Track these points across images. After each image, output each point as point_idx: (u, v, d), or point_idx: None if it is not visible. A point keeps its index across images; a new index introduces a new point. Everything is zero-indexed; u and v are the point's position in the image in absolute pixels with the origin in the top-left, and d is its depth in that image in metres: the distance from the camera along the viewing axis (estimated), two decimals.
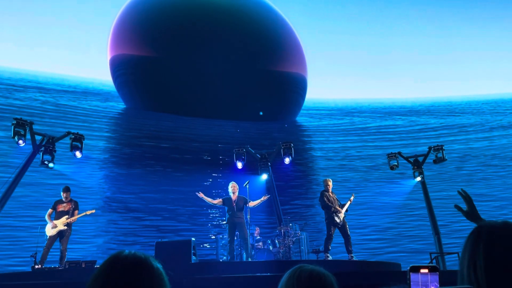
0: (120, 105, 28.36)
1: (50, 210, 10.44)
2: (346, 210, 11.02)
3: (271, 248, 11.53)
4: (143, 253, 1.51)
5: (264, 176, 13.67)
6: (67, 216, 10.33)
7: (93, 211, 11.00)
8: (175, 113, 25.28)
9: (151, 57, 25.73)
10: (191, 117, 25.10)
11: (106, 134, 22.97)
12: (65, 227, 10.32)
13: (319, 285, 1.61)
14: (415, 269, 1.27)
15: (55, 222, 10.24)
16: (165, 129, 24.15)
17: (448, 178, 20.74)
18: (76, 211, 10.55)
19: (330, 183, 11.14)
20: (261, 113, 25.16)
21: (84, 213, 10.70)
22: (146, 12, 27.08)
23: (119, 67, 27.28)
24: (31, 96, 26.67)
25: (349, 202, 11.07)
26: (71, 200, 10.60)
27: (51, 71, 35.82)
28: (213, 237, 13.89)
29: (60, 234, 10.30)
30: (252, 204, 11.03)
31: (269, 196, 11.48)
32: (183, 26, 25.65)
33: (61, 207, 10.42)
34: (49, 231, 10.25)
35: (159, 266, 1.50)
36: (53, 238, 10.27)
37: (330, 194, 10.97)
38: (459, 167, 22.47)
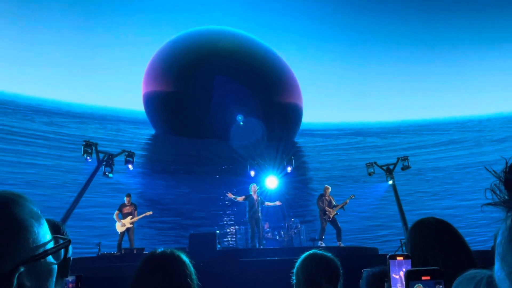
0: (151, 131, 28.57)
1: (117, 212, 10.53)
2: (343, 208, 10.86)
3: (278, 238, 11.44)
4: (174, 250, 1.46)
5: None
6: (131, 217, 10.46)
7: (151, 212, 11.04)
8: (195, 137, 24.43)
9: (175, 92, 25.25)
10: (208, 139, 24.17)
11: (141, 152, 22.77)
12: (131, 225, 10.47)
13: (328, 265, 1.63)
14: (393, 257, 1.28)
15: (123, 221, 10.38)
16: (189, 150, 23.85)
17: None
18: (136, 212, 10.63)
19: (328, 190, 11.05)
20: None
21: (144, 214, 10.79)
22: (171, 57, 26.90)
23: (150, 101, 27.05)
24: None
25: (343, 203, 10.81)
26: (132, 204, 10.68)
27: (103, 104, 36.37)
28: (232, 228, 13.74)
29: (127, 230, 10.46)
30: (267, 204, 11.03)
31: (281, 204, 11.40)
32: (201, 66, 25.04)
33: (125, 210, 10.53)
34: (119, 228, 10.39)
35: (187, 260, 1.45)
36: (122, 234, 10.42)
37: (326, 197, 10.91)
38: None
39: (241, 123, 24.04)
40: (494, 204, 0.65)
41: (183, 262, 1.43)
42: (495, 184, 0.65)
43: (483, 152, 26.16)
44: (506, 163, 0.67)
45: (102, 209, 13.52)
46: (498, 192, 0.65)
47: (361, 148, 29.55)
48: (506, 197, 0.64)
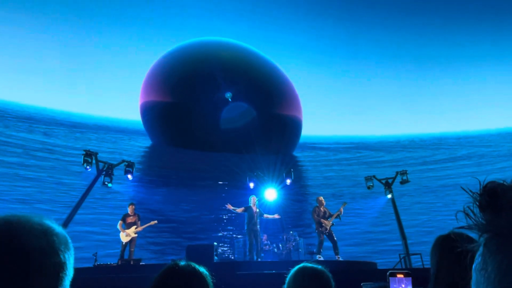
0: (148, 142, 28.43)
1: (120, 222, 10.34)
2: (339, 218, 10.74)
3: (276, 251, 11.37)
4: (194, 264, 1.40)
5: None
6: (135, 226, 10.32)
7: (156, 222, 10.78)
8: (194, 149, 24.24)
9: (173, 103, 25.13)
10: (206, 152, 23.99)
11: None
12: (135, 235, 10.37)
13: (319, 278, 1.61)
14: (393, 274, 1.28)
15: (128, 231, 10.25)
16: (186, 161, 23.56)
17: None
18: (139, 222, 10.52)
19: (322, 201, 10.98)
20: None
21: (148, 224, 10.60)
22: (169, 68, 26.79)
23: (148, 112, 26.95)
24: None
25: (338, 212, 10.68)
26: (135, 214, 10.57)
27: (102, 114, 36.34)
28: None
29: (130, 240, 10.35)
30: (266, 216, 10.97)
31: (280, 217, 11.35)
32: (199, 77, 24.84)
33: (129, 219, 10.39)
34: (124, 238, 10.25)
35: (207, 274, 1.40)
36: (126, 244, 10.29)
37: (321, 209, 10.84)
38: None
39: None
40: (468, 227, 0.61)
41: (204, 278, 1.37)
42: (468, 206, 0.62)
43: (495, 169, 26.02)
44: (480, 184, 0.63)
45: (96, 226, 13.39)
46: (471, 214, 0.61)
47: (365, 163, 29.44)
48: (480, 220, 0.60)
